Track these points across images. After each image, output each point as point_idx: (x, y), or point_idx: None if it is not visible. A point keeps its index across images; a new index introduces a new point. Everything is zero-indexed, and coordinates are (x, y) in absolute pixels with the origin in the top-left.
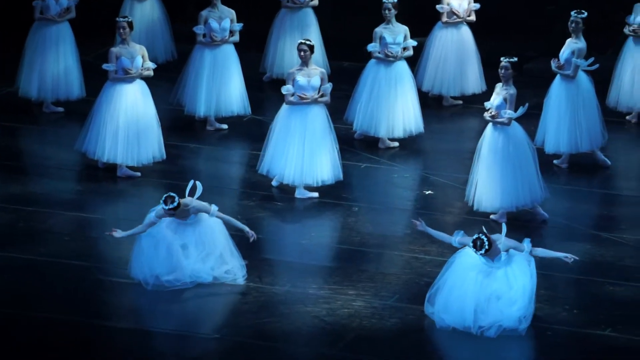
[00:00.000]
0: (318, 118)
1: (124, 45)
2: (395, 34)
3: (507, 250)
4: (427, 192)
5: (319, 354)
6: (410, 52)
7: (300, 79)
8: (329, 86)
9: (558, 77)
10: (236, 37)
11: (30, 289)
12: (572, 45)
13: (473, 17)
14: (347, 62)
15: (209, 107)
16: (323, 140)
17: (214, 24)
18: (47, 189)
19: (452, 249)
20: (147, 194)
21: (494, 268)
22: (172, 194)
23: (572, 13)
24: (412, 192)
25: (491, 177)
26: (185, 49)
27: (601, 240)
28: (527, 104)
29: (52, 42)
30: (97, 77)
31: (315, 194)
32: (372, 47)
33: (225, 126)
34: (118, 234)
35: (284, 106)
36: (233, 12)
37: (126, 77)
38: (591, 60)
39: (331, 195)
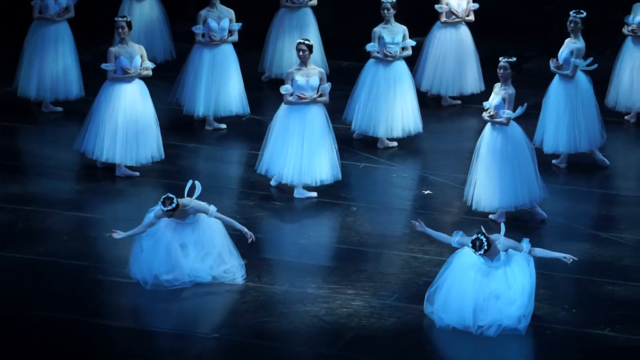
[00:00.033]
0: (317, 118)
1: (122, 45)
2: (394, 34)
3: (506, 250)
4: (425, 192)
5: (318, 354)
6: (409, 52)
7: (299, 78)
8: (327, 86)
9: (557, 77)
10: (235, 37)
11: (29, 288)
12: (571, 45)
13: (472, 17)
14: (346, 61)
15: (207, 107)
16: (322, 140)
17: (212, 23)
18: (45, 188)
19: (451, 249)
20: (145, 194)
21: (493, 268)
22: (170, 195)
23: (571, 13)
24: (411, 191)
25: (490, 177)
26: (184, 49)
27: (600, 240)
28: (525, 104)
29: (51, 42)
30: (96, 76)
31: (314, 194)
32: (371, 46)
33: (224, 126)
34: (118, 235)
35: (283, 106)
36: (232, 11)
37: (125, 76)
38: (590, 60)
39: (330, 195)
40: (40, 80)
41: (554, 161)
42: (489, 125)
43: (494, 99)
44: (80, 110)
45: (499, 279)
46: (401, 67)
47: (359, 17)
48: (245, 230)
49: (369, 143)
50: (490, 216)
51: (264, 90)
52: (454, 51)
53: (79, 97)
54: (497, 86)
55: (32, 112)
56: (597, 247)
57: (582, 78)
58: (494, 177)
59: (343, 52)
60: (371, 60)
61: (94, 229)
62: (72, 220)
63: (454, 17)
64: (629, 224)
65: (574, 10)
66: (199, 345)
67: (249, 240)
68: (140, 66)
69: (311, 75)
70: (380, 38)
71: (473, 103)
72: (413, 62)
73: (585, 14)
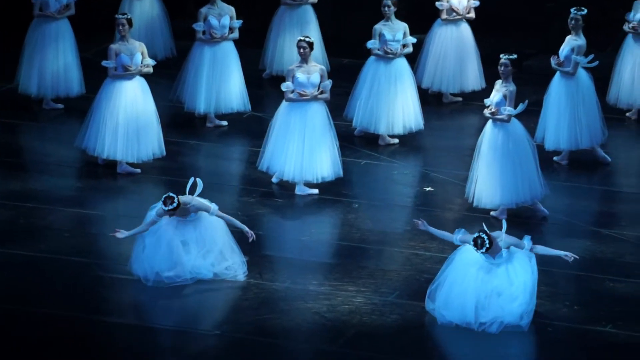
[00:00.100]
0: (318, 115)
1: (123, 42)
2: (394, 31)
3: (507, 248)
4: (427, 189)
5: (320, 351)
6: (410, 49)
7: (300, 75)
8: (328, 83)
9: (558, 74)
10: (236, 34)
11: (30, 285)
12: (572, 42)
13: (472, 14)
14: (347, 59)
15: (208, 104)
16: (323, 137)
17: (213, 21)
18: (47, 185)
19: (453, 246)
20: (147, 191)
21: (494, 265)
22: (171, 194)
23: (572, 10)
24: (412, 188)
25: (491, 174)
26: (185, 46)
27: (601, 237)
28: (526, 101)
29: (52, 39)
30: (97, 74)
31: (315, 191)
32: (372, 44)
33: (225, 123)
34: (121, 234)
35: (284, 103)
36: (232, 9)
37: (126, 74)
38: (591, 57)
39: (331, 192)
40: (41, 77)
41: (555, 158)
42: (490, 122)
43: (495, 96)
44: (81, 108)
45: (500, 276)
46: (402, 64)
47: (359, 14)
48: (246, 229)
49: (370, 140)
50: (492, 213)
51: (265, 88)
52: (455, 48)
53: (80, 95)
54: (498, 83)
55: (33, 109)
56: (599, 244)
57: (583, 75)
58: (495, 174)
59: (344, 49)
60: (372, 58)
61: (95, 226)
62: (73, 217)
63: (454, 14)
64: (630, 220)
65: (575, 8)
66: (201, 342)
67: (250, 239)
68: (141, 63)
69: (312, 73)
70: (381, 35)
71: (474, 100)
72: (414, 59)
73: (586, 11)
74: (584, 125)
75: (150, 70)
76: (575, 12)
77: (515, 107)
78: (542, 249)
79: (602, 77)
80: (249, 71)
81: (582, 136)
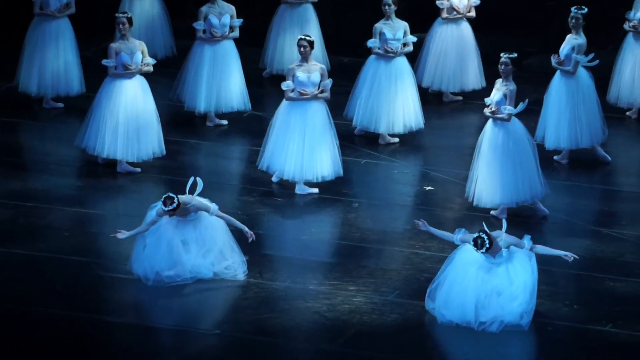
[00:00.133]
0: (318, 114)
1: (123, 41)
2: (395, 30)
3: (507, 247)
4: (427, 188)
5: (320, 350)
6: (410, 48)
7: (300, 74)
8: (328, 82)
9: (558, 73)
10: (236, 33)
11: (30, 284)
12: (572, 41)
13: (473, 13)
14: (347, 58)
15: (209, 103)
16: (323, 136)
17: (213, 19)
18: (47, 184)
19: (453, 245)
20: (147, 190)
21: (494, 264)
22: (171, 194)
23: (572, 9)
24: (412, 188)
25: (491, 173)
26: (185, 45)
27: (601, 236)
28: (527, 100)
29: (52, 38)
30: (97, 72)
31: (315, 190)
32: (372, 43)
33: (225, 122)
34: (122, 235)
35: (284, 102)
36: (233, 7)
37: (126, 72)
38: (591, 56)
39: (331, 191)
40: (41, 76)
41: (555, 157)
42: (490, 121)
43: (495, 95)
44: (81, 107)
45: (500, 275)
46: (402, 63)
47: (360, 13)
48: (246, 229)
49: (370, 139)
50: (492, 212)
51: (265, 86)
52: (455, 47)
53: (80, 93)
54: (498, 82)
55: (33, 108)
56: (599, 243)
57: (583, 74)
58: (495, 173)
59: (344, 48)
60: (372, 57)
61: (95, 225)
62: (73, 216)
63: (455, 13)
64: (630, 220)
65: (575, 6)
66: (201, 342)
67: (249, 240)
68: (141, 62)
69: (312, 71)
70: (382, 34)
71: (474, 99)
72: (414, 58)
73: (586, 9)
74: (584, 124)
75: (151, 69)
76: (576, 10)
77: (515, 106)
78: (542, 249)
79: (603, 76)
80: (249, 70)
81: (582, 135)
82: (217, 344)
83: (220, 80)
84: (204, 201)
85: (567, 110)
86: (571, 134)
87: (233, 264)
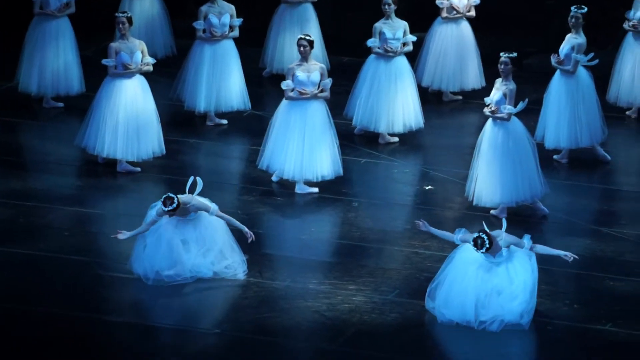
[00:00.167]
0: (318, 113)
1: (123, 41)
2: (394, 29)
3: (508, 247)
4: (427, 188)
5: (319, 349)
6: (410, 48)
7: (300, 74)
8: (328, 81)
9: (558, 72)
10: (236, 33)
11: (30, 284)
12: (572, 40)
13: (473, 13)
14: (347, 57)
15: (208, 103)
16: (323, 136)
17: (213, 19)
18: (47, 184)
19: (453, 244)
20: (147, 189)
21: (494, 263)
22: (171, 194)
23: (572, 8)
24: (412, 187)
25: (491, 173)
26: (185, 45)
27: (601, 236)
28: (526, 99)
29: (52, 37)
30: (97, 72)
31: (315, 189)
32: (372, 42)
33: (225, 121)
34: (123, 235)
35: (284, 101)
36: (233, 7)
37: (126, 72)
38: (591, 55)
39: (331, 191)
40: (41, 75)
41: (555, 156)
42: (490, 120)
43: (495, 94)
44: (81, 106)
45: (500, 274)
46: (402, 62)
47: (359, 12)
48: (246, 229)
49: (370, 138)
50: (492, 212)
51: (265, 86)
52: (455, 47)
53: (80, 93)
54: (498, 82)
55: (33, 107)
56: (599, 243)
57: (583, 73)
58: (495, 173)
59: (344, 48)
60: (372, 56)
61: (95, 225)
62: (73, 215)
63: (455, 12)
64: (630, 219)
65: (575, 6)
66: (201, 341)
67: (249, 240)
68: (141, 62)
69: (312, 71)
70: (381, 33)
71: (474, 98)
72: (414, 57)
73: (586, 9)
74: (584, 123)
75: (150, 68)
76: (576, 10)
77: (515, 106)
78: (541, 249)
79: (602, 75)
80: (249, 69)
81: (582, 135)
82: (217, 343)
83: (220, 80)
84: (204, 201)
85: (566, 109)
86: (571, 134)
87: (233, 264)
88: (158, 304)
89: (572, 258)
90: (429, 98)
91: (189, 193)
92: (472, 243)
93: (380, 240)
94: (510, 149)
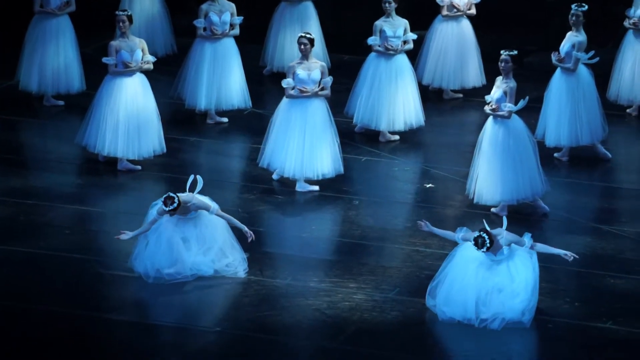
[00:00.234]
0: (318, 111)
1: (123, 39)
2: (395, 27)
3: (509, 245)
4: (427, 186)
5: (320, 347)
6: (411, 46)
7: (301, 72)
8: (329, 79)
9: (558, 70)
10: (236, 31)
11: (30, 282)
12: (573, 38)
13: (473, 11)
14: (348, 55)
15: (209, 101)
16: (323, 134)
17: (214, 17)
18: (47, 182)
19: (454, 243)
20: (147, 188)
21: (495, 262)
22: (171, 194)
23: (573, 6)
24: (413, 185)
25: (492, 171)
26: (186, 43)
27: (602, 233)
28: (527, 97)
29: (52, 36)
30: (97, 70)
31: (316, 187)
32: (373, 40)
33: (225, 120)
34: (125, 236)
35: (285, 99)
36: (233, 5)
37: (126, 70)
38: (591, 53)
39: (332, 189)
40: (41, 74)
41: (555, 154)
42: (490, 118)
43: (496, 92)
44: (81, 104)
45: (501, 273)
46: (403, 60)
47: (360, 10)
48: (246, 229)
49: (371, 136)
50: (492, 210)
51: (266, 84)
52: (456, 44)
53: (81, 91)
54: (499, 79)
55: (34, 105)
56: (599, 240)
57: (583, 71)
58: (496, 171)
59: (344, 46)
60: (373, 54)
61: (96, 223)
62: (74, 214)
63: (455, 10)
64: (630, 217)
65: (576, 4)
66: (201, 339)
67: (249, 240)
68: (142, 60)
69: (313, 69)
70: (382, 31)
71: (475, 96)
72: (414, 55)
73: (587, 7)
74: (584, 121)
75: (151, 66)
76: (576, 8)
77: (515, 104)
78: (542, 247)
79: (603, 73)
80: (249, 68)
81: (582, 133)
82: (217, 342)
83: (221, 78)
84: (205, 200)
85: (567, 107)
86: (571, 132)
87: (234, 262)
88: (159, 302)
89: (572, 257)
90: (430, 96)
91: (189, 191)
92: (472, 242)
93: (380, 238)
94: (510, 146)
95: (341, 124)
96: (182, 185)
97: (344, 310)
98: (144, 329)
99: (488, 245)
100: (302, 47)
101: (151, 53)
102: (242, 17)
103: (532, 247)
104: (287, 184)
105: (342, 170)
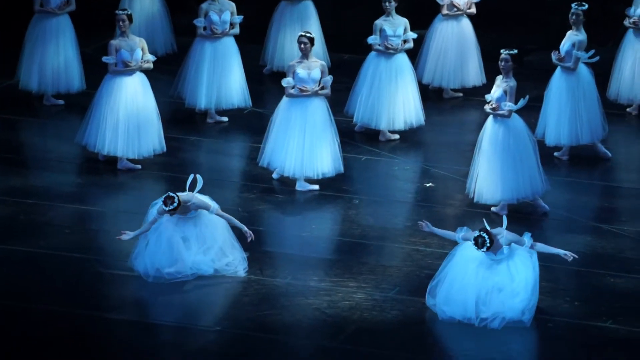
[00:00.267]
0: (318, 110)
1: (123, 38)
2: (395, 27)
3: (509, 244)
4: (427, 185)
5: (320, 346)
6: (411, 45)
7: (301, 71)
8: (329, 79)
9: (558, 69)
10: (236, 30)
11: (30, 281)
12: (573, 37)
13: (473, 10)
14: (348, 54)
15: (209, 100)
16: (323, 133)
17: (214, 16)
18: (47, 181)
19: (454, 242)
20: (147, 187)
21: (495, 261)
22: (171, 194)
23: (573, 5)
24: (413, 184)
25: (492, 170)
26: (186, 42)
27: (602, 233)
28: (527, 96)
29: (52, 35)
30: (97, 69)
31: (316, 187)
32: (373, 39)
33: (225, 119)
34: (127, 236)
35: (285, 99)
36: (233, 4)
37: (126, 69)
38: (592, 52)
39: (332, 188)
40: (41, 73)
41: (555, 154)
42: (490, 117)
43: (496, 91)
44: (81, 103)
45: (501, 272)
46: (403, 59)
47: (360, 9)
48: (246, 229)
49: (371, 136)
50: (492, 209)
51: (266, 83)
52: (456, 44)
53: (81, 90)
54: (499, 79)
55: (34, 105)
56: (599, 240)
57: (583, 70)
58: (496, 170)
59: (344, 45)
60: (373, 53)
61: (96, 222)
62: (74, 213)
63: (455, 9)
64: (630, 216)
65: (576, 3)
66: (201, 338)
67: (249, 240)
68: (141, 59)
69: (313, 68)
70: (382, 31)
71: (475, 95)
72: (414, 54)
73: (587, 6)
74: (584, 120)
75: (151, 66)
76: (576, 7)
77: (515, 103)
78: (542, 247)
79: (603, 72)
80: (249, 67)
81: (582, 132)
82: (217, 341)
83: (221, 77)
84: (205, 199)
85: (567, 106)
86: (571, 131)
87: (234, 261)
88: (158, 302)
89: (571, 257)
90: (430, 95)
91: (189, 191)
92: (472, 242)
93: (380, 237)
94: (511, 146)
95: (341, 123)
96: (182, 184)
97: (344, 309)
98: (144, 328)
99: (488, 244)
100: (302, 46)
101: (151, 52)
102: (242, 16)
103: (532, 247)
104: (287, 183)
105: (342, 169)
